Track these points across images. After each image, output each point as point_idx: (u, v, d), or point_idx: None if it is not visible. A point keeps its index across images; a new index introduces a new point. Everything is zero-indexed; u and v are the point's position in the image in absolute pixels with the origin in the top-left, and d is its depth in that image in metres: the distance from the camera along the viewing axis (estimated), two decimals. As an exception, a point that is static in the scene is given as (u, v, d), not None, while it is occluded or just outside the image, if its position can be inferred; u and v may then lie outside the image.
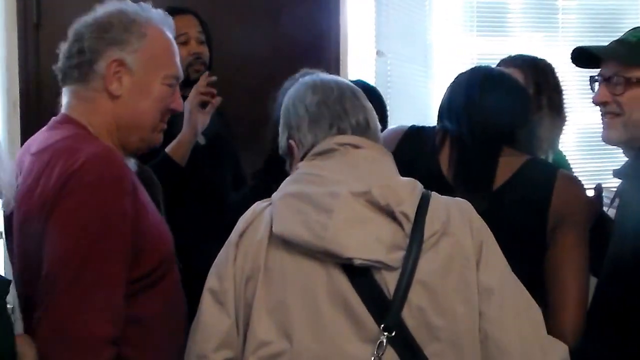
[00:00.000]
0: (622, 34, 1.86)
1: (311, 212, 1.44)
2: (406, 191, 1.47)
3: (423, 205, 1.46)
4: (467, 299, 1.44)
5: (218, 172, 2.57)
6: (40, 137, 1.65)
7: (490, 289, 1.46)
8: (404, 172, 1.57)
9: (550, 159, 2.54)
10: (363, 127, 1.57)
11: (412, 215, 1.44)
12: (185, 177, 2.36)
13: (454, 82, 2.00)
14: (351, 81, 1.73)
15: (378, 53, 3.30)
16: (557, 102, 2.54)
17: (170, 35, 1.75)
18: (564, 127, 2.59)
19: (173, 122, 1.89)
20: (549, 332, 1.64)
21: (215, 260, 1.55)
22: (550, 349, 1.49)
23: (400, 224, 1.43)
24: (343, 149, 1.54)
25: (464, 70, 2.03)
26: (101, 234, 1.48)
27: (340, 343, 1.41)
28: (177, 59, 1.75)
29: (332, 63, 3.14)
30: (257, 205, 1.56)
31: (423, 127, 2.02)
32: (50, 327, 1.45)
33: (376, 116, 1.63)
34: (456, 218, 1.49)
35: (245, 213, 1.56)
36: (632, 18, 3.83)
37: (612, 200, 2.01)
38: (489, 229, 1.53)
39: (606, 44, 1.86)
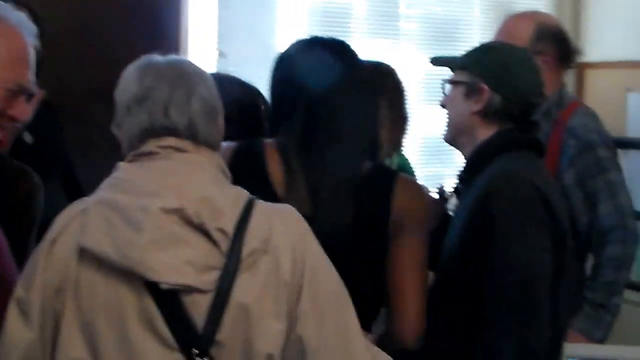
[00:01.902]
0: (458, 42, 1.98)
1: (121, 227, 1.33)
2: (227, 204, 1.37)
3: (244, 219, 1.37)
4: (283, 322, 1.35)
5: (46, 178, 2.38)
6: None
7: (308, 313, 1.37)
8: None
9: (393, 162, 2.56)
10: (185, 131, 1.43)
11: (230, 232, 1.34)
12: None
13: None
14: None
15: (220, 53, 3.24)
16: (398, 104, 2.58)
17: (28, 41, 1.62)
18: (406, 129, 2.61)
19: None
20: (390, 337, 1.68)
21: (25, 266, 1.41)
22: None
23: (215, 242, 1.34)
24: (165, 153, 1.42)
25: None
26: None
27: None
28: (28, 69, 1.62)
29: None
30: (74, 207, 1.43)
31: (253, 141, 1.85)
32: None
33: (214, 119, 1.48)
34: (279, 232, 1.39)
35: (61, 215, 1.43)
36: (468, 28, 3.97)
37: (448, 200, 2.09)
38: (315, 241, 1.43)
39: (445, 51, 1.97)
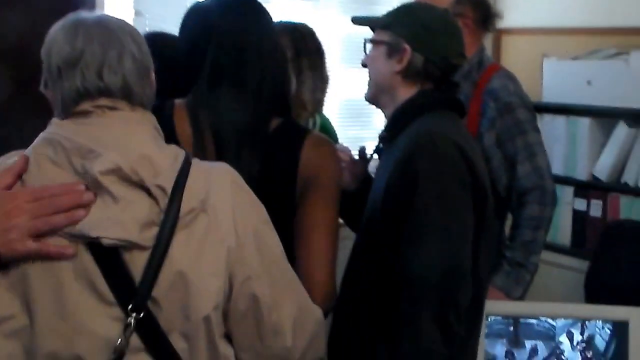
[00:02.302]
0: (378, 5, 1.98)
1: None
2: (165, 162, 1.36)
3: (182, 178, 1.35)
4: (222, 281, 1.36)
5: None
6: None
7: (258, 271, 1.39)
8: None
9: (316, 122, 2.55)
10: (119, 93, 1.41)
11: (169, 189, 1.33)
12: None
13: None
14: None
15: (136, 12, 3.15)
16: (319, 64, 2.57)
17: None
18: (327, 90, 2.61)
19: None
20: None
21: None
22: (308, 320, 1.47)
23: (155, 199, 1.33)
24: (100, 111, 1.40)
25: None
26: None
27: (86, 323, 1.31)
28: None
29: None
30: (7, 159, 1.40)
31: (163, 102, 1.76)
32: None
33: (146, 76, 1.45)
34: (217, 191, 1.39)
35: None
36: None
37: (369, 159, 2.10)
38: (254, 199, 1.45)
39: (365, 12, 1.95)
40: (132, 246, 1.31)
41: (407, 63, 1.88)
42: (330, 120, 2.76)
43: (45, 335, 1.31)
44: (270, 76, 1.70)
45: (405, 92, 1.91)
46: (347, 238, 2.04)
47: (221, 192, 1.39)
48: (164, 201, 1.32)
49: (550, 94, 3.66)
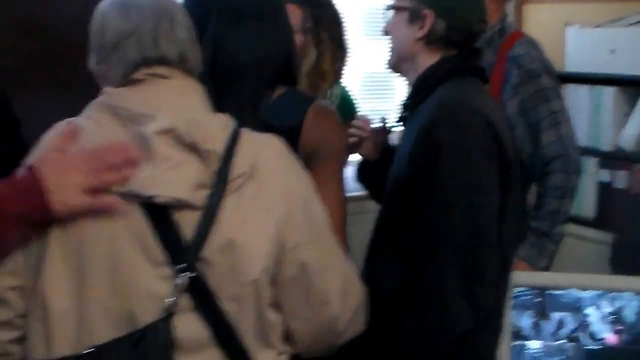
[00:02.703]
0: None
1: None
2: (216, 128, 1.40)
3: (232, 144, 1.40)
4: (271, 246, 1.39)
5: None
6: None
7: (307, 238, 1.42)
8: None
9: (335, 93, 2.51)
10: (176, 60, 1.46)
11: (219, 154, 1.37)
12: None
13: None
14: None
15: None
16: (338, 34, 2.54)
17: None
18: (346, 61, 2.57)
19: None
20: None
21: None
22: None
23: (206, 162, 1.37)
24: (153, 79, 1.45)
25: None
26: None
27: (139, 282, 1.35)
28: None
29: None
30: (56, 128, 1.46)
31: None
32: None
33: (196, 48, 1.50)
34: (266, 159, 1.43)
35: (46, 137, 1.46)
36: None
37: (391, 129, 2.12)
38: (301, 169, 1.49)
39: None
40: (184, 205, 1.34)
41: (429, 29, 1.85)
42: (351, 92, 2.72)
43: (99, 294, 1.34)
44: (271, 49, 1.68)
45: (428, 59, 1.88)
46: (370, 211, 2.01)
47: (270, 159, 1.43)
48: (214, 165, 1.36)
49: (573, 63, 3.59)
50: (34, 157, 1.42)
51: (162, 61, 1.45)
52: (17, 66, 2.58)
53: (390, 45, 1.95)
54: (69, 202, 1.34)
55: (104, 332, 1.34)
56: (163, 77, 1.45)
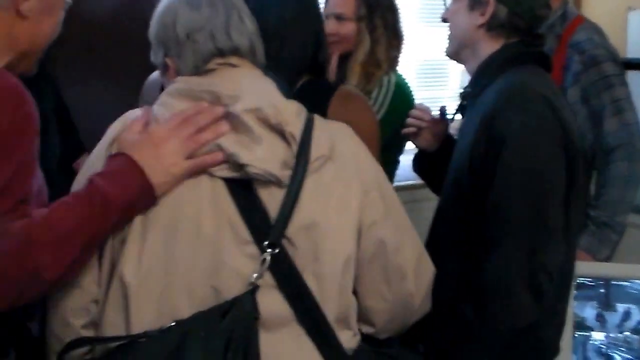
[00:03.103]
0: None
1: None
2: (292, 112, 1.45)
3: (308, 129, 1.45)
4: (351, 224, 1.44)
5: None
6: None
7: (384, 217, 1.47)
8: None
9: (391, 80, 2.50)
10: (247, 51, 1.52)
11: (298, 137, 1.42)
12: None
13: None
14: None
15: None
16: (392, 21, 2.52)
17: None
18: (401, 48, 2.55)
19: None
20: None
21: (82, 169, 1.47)
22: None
23: (288, 143, 1.41)
24: (223, 68, 1.49)
25: None
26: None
27: (224, 258, 1.38)
28: None
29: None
30: (129, 115, 1.50)
31: None
32: None
33: (260, 40, 1.54)
34: (340, 143, 1.48)
35: (114, 123, 1.49)
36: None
37: (453, 116, 2.05)
38: (369, 153, 1.53)
39: None
40: (274, 180, 1.38)
41: (490, 15, 1.81)
42: (407, 80, 2.70)
43: (182, 270, 1.37)
44: (293, 41, 1.69)
45: (489, 47, 1.84)
46: (425, 199, 1.99)
47: (344, 142, 1.49)
48: (294, 147, 1.41)
49: (636, 49, 3.51)
50: (104, 147, 1.45)
51: (235, 52, 1.49)
52: (65, 55, 2.59)
53: (450, 32, 1.92)
54: (170, 171, 1.37)
55: (187, 308, 1.36)
56: (235, 66, 1.49)
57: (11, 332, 1.48)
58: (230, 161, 1.38)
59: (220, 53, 1.48)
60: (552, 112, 1.70)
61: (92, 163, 1.46)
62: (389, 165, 2.62)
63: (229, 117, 1.41)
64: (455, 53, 1.92)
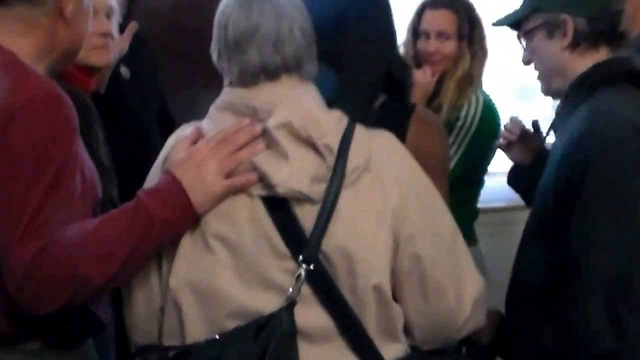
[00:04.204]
0: None
1: None
2: (330, 123, 1.43)
3: (347, 138, 1.43)
4: (387, 236, 1.42)
5: (144, 109, 2.41)
6: None
7: (421, 231, 1.45)
8: None
9: (479, 97, 2.56)
10: (293, 67, 1.49)
11: (335, 148, 1.41)
12: (105, 110, 2.12)
13: None
14: None
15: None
16: (478, 38, 2.58)
17: None
18: (485, 64, 2.62)
19: None
20: None
21: (148, 178, 1.54)
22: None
23: (322, 156, 1.40)
24: (264, 81, 1.48)
25: None
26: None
27: (264, 271, 1.41)
28: None
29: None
30: (183, 130, 1.54)
31: None
32: None
33: (312, 48, 1.52)
34: (380, 153, 1.46)
35: (169, 138, 1.55)
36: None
37: (547, 133, 2.05)
38: (414, 163, 1.51)
39: None
40: (303, 198, 1.39)
41: (572, 33, 1.77)
42: (497, 97, 2.75)
43: (227, 282, 1.42)
44: (369, 58, 1.69)
45: (578, 66, 1.80)
46: (515, 223, 1.99)
47: (383, 153, 1.46)
48: (330, 159, 1.40)
49: None
50: (160, 162, 1.52)
51: (281, 68, 1.47)
52: (173, 66, 2.72)
53: (539, 71, 1.87)
54: (211, 190, 1.42)
55: (230, 320, 1.41)
56: (278, 79, 1.48)
57: (89, 322, 1.57)
58: (264, 180, 1.41)
59: (265, 69, 1.47)
60: (638, 136, 1.66)
61: (152, 175, 1.54)
62: (475, 184, 2.68)
63: (265, 134, 1.43)
64: (550, 89, 1.87)
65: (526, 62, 1.87)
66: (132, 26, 2.25)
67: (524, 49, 1.87)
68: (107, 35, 2.04)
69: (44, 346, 1.51)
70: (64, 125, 1.42)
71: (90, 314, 1.54)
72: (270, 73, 1.47)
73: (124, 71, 2.32)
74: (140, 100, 2.41)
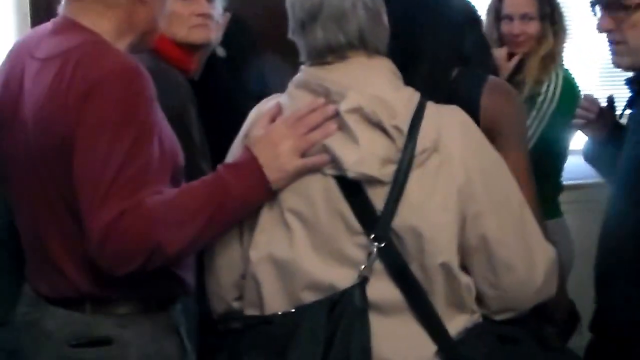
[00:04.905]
0: None
1: None
2: (401, 104, 1.46)
3: (417, 118, 1.46)
4: (453, 216, 1.45)
5: (240, 88, 2.47)
6: (49, 42, 1.57)
7: (487, 211, 1.46)
8: None
9: (559, 74, 2.65)
10: (357, 43, 1.51)
11: (405, 129, 1.44)
12: (200, 90, 2.18)
13: None
14: None
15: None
16: (562, 16, 2.70)
17: None
18: (565, 43, 2.71)
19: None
20: None
21: (230, 151, 1.61)
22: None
23: (392, 139, 1.44)
24: (337, 60, 1.52)
25: None
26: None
27: (338, 246, 1.47)
28: None
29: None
30: (263, 105, 1.60)
31: None
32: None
33: (379, 21, 1.53)
34: (450, 132, 1.48)
35: (251, 113, 1.61)
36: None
37: (624, 110, 2.01)
38: (484, 140, 1.51)
39: None
40: (373, 181, 1.44)
41: None
42: (583, 79, 2.82)
43: (304, 255, 1.47)
44: (445, 38, 1.71)
45: None
46: (592, 200, 2.00)
47: (451, 131, 1.48)
48: (400, 141, 1.43)
49: None
50: (241, 137, 1.59)
51: (345, 46, 1.50)
52: (271, 49, 2.72)
53: (630, 44, 1.76)
54: (285, 168, 1.48)
55: (306, 293, 1.47)
56: (347, 58, 1.50)
57: (176, 287, 1.64)
58: (335, 162, 1.45)
59: (330, 47, 1.49)
60: None
61: (234, 149, 1.60)
62: (558, 158, 2.74)
63: (337, 115, 1.46)
64: (632, 66, 1.79)
65: (605, 30, 1.78)
66: (227, 17, 2.36)
67: (602, 18, 1.78)
68: (205, 15, 2.16)
69: (134, 310, 1.58)
70: (141, 95, 1.47)
71: (178, 279, 1.61)
72: (336, 51, 1.50)
73: (220, 50, 2.38)
74: (237, 78, 2.51)
